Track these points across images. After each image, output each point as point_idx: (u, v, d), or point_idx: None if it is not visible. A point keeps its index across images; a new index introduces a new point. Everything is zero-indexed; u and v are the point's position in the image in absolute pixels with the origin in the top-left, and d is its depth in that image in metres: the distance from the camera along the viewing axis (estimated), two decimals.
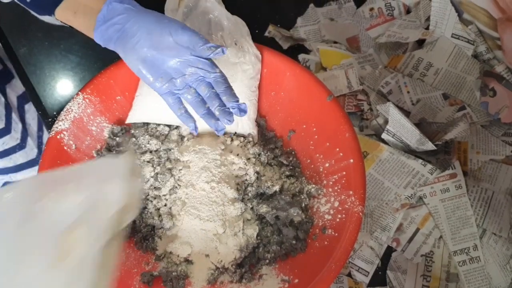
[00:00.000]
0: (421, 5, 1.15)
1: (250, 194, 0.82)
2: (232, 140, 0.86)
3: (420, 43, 1.12)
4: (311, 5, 1.20)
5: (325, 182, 0.82)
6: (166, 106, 0.82)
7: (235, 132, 0.87)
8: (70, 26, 0.71)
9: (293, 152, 0.88)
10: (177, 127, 0.88)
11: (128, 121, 0.86)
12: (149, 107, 0.84)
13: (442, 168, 0.95)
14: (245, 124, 0.86)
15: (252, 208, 0.82)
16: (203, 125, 0.84)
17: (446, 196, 0.93)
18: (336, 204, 0.78)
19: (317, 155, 0.85)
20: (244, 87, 0.84)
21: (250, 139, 0.87)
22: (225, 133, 0.87)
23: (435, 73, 1.07)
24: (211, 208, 0.79)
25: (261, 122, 0.90)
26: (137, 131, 0.86)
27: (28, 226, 0.47)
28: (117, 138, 0.85)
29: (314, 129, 0.86)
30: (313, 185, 0.83)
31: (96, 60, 1.11)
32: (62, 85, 1.10)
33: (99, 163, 0.64)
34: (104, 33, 0.67)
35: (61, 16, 0.69)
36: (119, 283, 0.75)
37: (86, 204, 0.50)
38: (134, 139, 0.86)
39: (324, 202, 0.80)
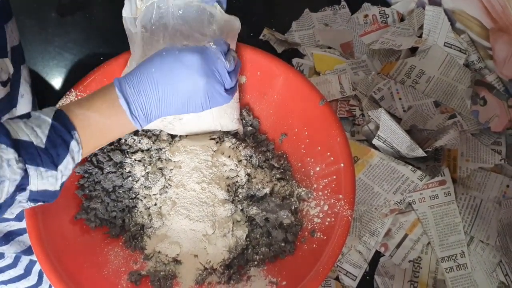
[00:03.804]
0: (415, 14, 1.16)
1: (240, 196, 0.82)
2: (223, 141, 0.86)
3: (413, 50, 1.14)
4: (306, 10, 1.21)
5: (315, 185, 0.83)
6: None
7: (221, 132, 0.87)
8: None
9: (284, 155, 0.89)
10: None
11: None
12: None
13: (431, 174, 0.96)
14: (229, 125, 0.86)
15: (242, 210, 0.82)
16: (194, 128, 0.85)
17: (435, 203, 0.94)
18: (326, 207, 0.78)
19: (308, 158, 0.85)
20: None
21: (243, 136, 0.87)
22: (214, 134, 0.87)
23: (427, 80, 1.08)
24: (201, 208, 0.79)
25: (254, 123, 0.90)
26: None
27: None
28: None
29: (306, 133, 0.86)
30: (303, 189, 0.83)
31: (90, 57, 1.11)
32: (55, 82, 1.10)
33: None
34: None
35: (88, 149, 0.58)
36: (107, 281, 0.75)
37: None
38: (123, 140, 0.86)
39: (313, 206, 0.81)
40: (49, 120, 0.52)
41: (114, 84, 0.59)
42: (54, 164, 0.51)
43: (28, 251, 0.87)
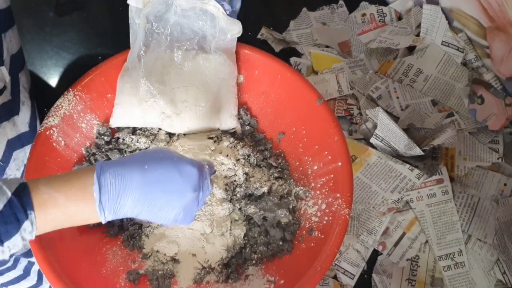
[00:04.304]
0: (413, 12, 1.16)
1: (238, 195, 0.83)
2: (221, 140, 0.86)
3: (411, 49, 1.14)
4: (304, 9, 1.21)
5: (313, 184, 0.83)
6: (146, 113, 0.83)
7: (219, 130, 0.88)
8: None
9: (282, 154, 0.89)
10: None
11: (110, 125, 0.86)
12: (129, 114, 0.84)
13: (429, 173, 0.96)
14: (227, 122, 0.86)
15: (240, 209, 0.82)
16: (193, 124, 0.85)
17: (432, 201, 0.94)
18: (323, 206, 0.78)
19: (306, 157, 0.85)
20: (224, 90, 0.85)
21: (241, 135, 0.88)
22: (212, 133, 0.87)
23: (424, 79, 1.09)
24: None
25: (252, 122, 0.91)
26: (120, 134, 0.86)
27: None
28: (105, 137, 0.85)
29: (304, 132, 0.86)
30: (301, 187, 0.83)
31: (88, 57, 1.11)
32: (53, 82, 1.10)
33: None
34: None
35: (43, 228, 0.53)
36: (105, 280, 0.75)
37: None
38: (121, 139, 0.86)
39: (311, 204, 0.81)
40: (9, 194, 0.49)
41: (95, 167, 0.54)
42: (0, 240, 0.49)
43: (28, 253, 0.87)
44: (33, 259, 0.90)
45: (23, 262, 0.90)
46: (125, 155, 0.84)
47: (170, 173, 0.57)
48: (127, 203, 0.54)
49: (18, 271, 0.90)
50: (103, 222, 0.55)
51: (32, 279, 0.94)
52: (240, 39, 0.82)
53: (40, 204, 0.51)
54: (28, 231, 0.50)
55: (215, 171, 0.68)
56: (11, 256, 0.51)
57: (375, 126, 0.98)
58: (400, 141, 0.95)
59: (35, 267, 0.93)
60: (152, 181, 0.55)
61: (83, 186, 0.53)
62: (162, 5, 0.76)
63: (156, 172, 0.56)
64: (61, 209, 0.52)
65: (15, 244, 0.50)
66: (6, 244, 0.49)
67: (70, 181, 0.53)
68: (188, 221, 0.61)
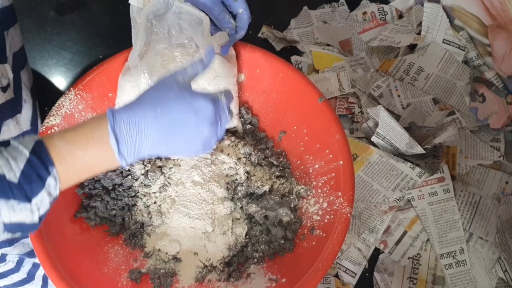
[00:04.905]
0: (414, 10, 1.16)
1: (239, 194, 0.83)
2: (223, 139, 0.86)
3: (412, 48, 1.14)
4: (305, 7, 1.21)
5: (314, 183, 0.83)
6: None
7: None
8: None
9: (283, 153, 0.89)
10: None
11: None
12: None
13: (430, 171, 0.96)
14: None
15: (241, 208, 0.82)
16: None
17: (434, 200, 0.94)
18: (325, 205, 0.78)
19: (307, 156, 0.85)
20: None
21: (242, 134, 0.88)
22: None
23: (425, 77, 1.09)
24: (201, 206, 0.79)
25: (253, 121, 0.91)
26: None
27: None
28: None
29: (305, 130, 0.86)
30: (303, 186, 0.84)
31: (89, 56, 1.11)
32: (54, 81, 1.10)
33: None
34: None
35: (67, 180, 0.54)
36: (107, 279, 0.75)
37: None
38: None
39: (313, 203, 0.81)
40: (27, 153, 0.48)
41: (108, 118, 0.53)
42: (27, 198, 0.48)
43: (31, 253, 0.87)
44: (37, 261, 0.90)
45: (27, 265, 0.90)
46: None
47: (185, 114, 0.56)
48: (146, 148, 0.55)
49: (22, 274, 0.90)
50: (125, 167, 0.56)
51: (37, 283, 0.94)
52: (240, 38, 0.82)
53: (60, 160, 0.51)
54: (53, 187, 0.51)
55: (233, 98, 0.66)
56: (40, 220, 0.50)
57: (376, 125, 0.97)
58: (402, 140, 0.95)
59: (40, 272, 0.93)
60: (167, 124, 0.55)
61: (99, 139, 0.53)
62: (162, 5, 0.76)
63: (170, 115, 0.55)
64: (80, 163, 0.53)
65: (42, 201, 0.50)
66: (33, 201, 0.49)
67: (85, 134, 0.53)
68: (207, 151, 0.62)
